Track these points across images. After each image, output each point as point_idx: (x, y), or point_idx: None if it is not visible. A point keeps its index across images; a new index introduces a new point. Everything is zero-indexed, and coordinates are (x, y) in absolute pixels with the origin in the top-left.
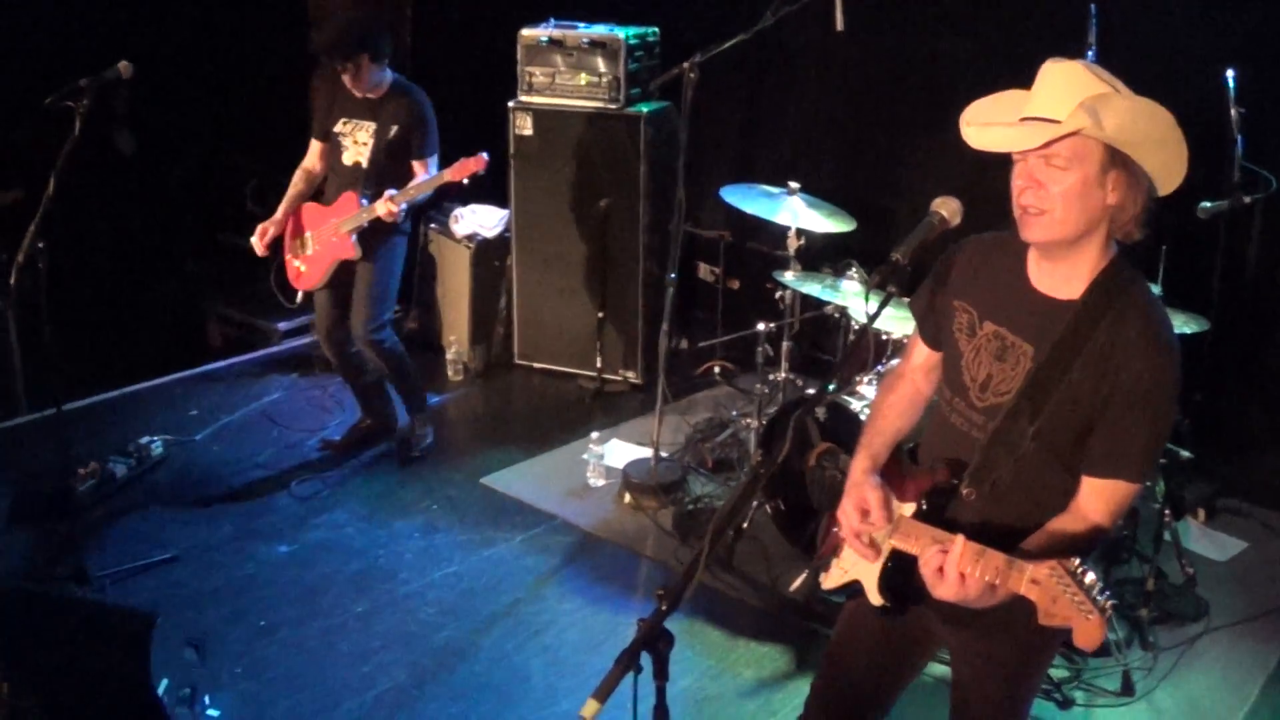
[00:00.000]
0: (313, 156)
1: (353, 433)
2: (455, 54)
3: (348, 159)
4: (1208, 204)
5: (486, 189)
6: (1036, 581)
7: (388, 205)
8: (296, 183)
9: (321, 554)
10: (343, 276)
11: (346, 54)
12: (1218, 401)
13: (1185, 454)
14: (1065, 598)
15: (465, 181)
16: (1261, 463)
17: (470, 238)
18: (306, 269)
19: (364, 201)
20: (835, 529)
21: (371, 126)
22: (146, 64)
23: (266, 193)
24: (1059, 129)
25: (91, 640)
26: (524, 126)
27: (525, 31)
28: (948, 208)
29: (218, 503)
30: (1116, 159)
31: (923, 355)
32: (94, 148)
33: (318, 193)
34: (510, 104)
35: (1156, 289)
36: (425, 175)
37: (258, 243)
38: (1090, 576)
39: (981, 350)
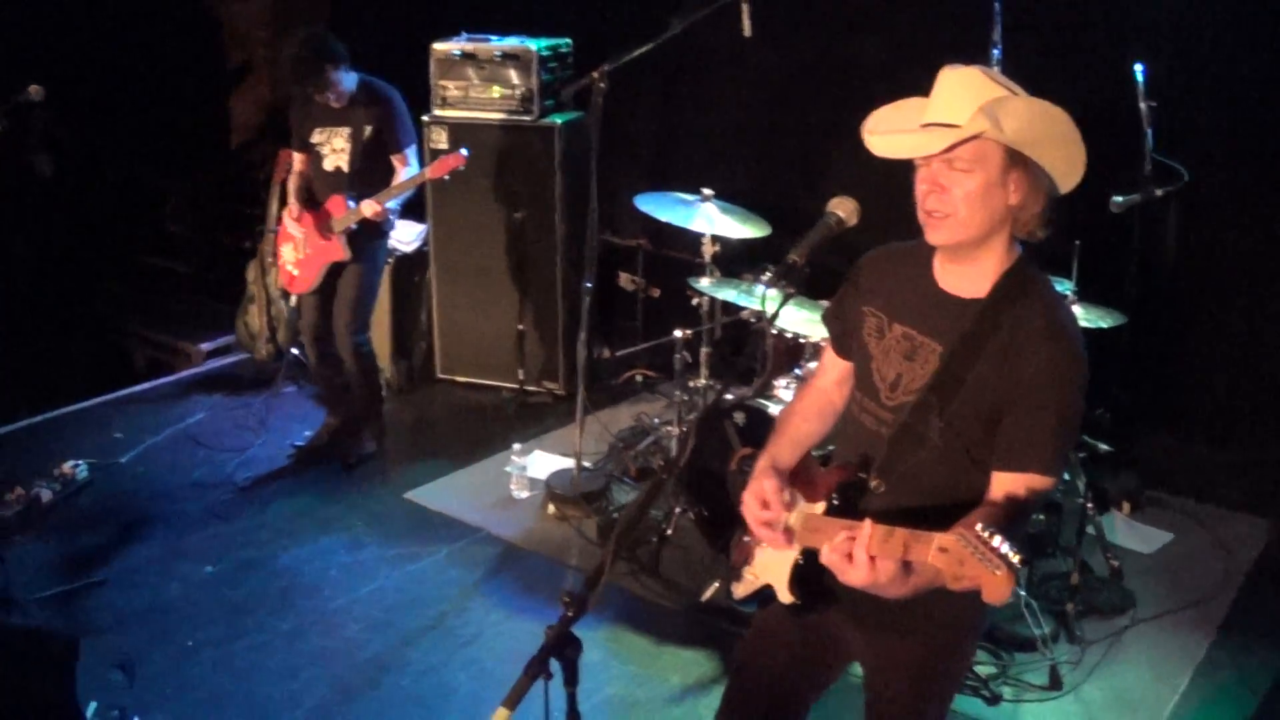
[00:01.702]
0: (299, 164)
1: (320, 434)
2: (368, 69)
3: (328, 165)
4: (1120, 198)
5: (404, 205)
6: (944, 549)
7: (373, 205)
8: (293, 183)
9: (247, 573)
10: (331, 280)
11: (317, 74)
12: (1138, 394)
13: (1104, 447)
14: (973, 558)
15: (447, 178)
16: (1184, 454)
17: (389, 253)
18: (300, 273)
19: (351, 204)
20: (745, 538)
21: (346, 131)
22: (62, 86)
23: (186, 212)
24: (960, 133)
25: (16, 665)
26: (439, 140)
27: (437, 45)
28: (844, 208)
29: (144, 524)
30: (1017, 160)
31: (834, 366)
32: (11, 171)
33: (283, 200)
34: (425, 118)
35: (1071, 284)
36: (406, 169)
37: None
38: (998, 538)
39: (891, 351)
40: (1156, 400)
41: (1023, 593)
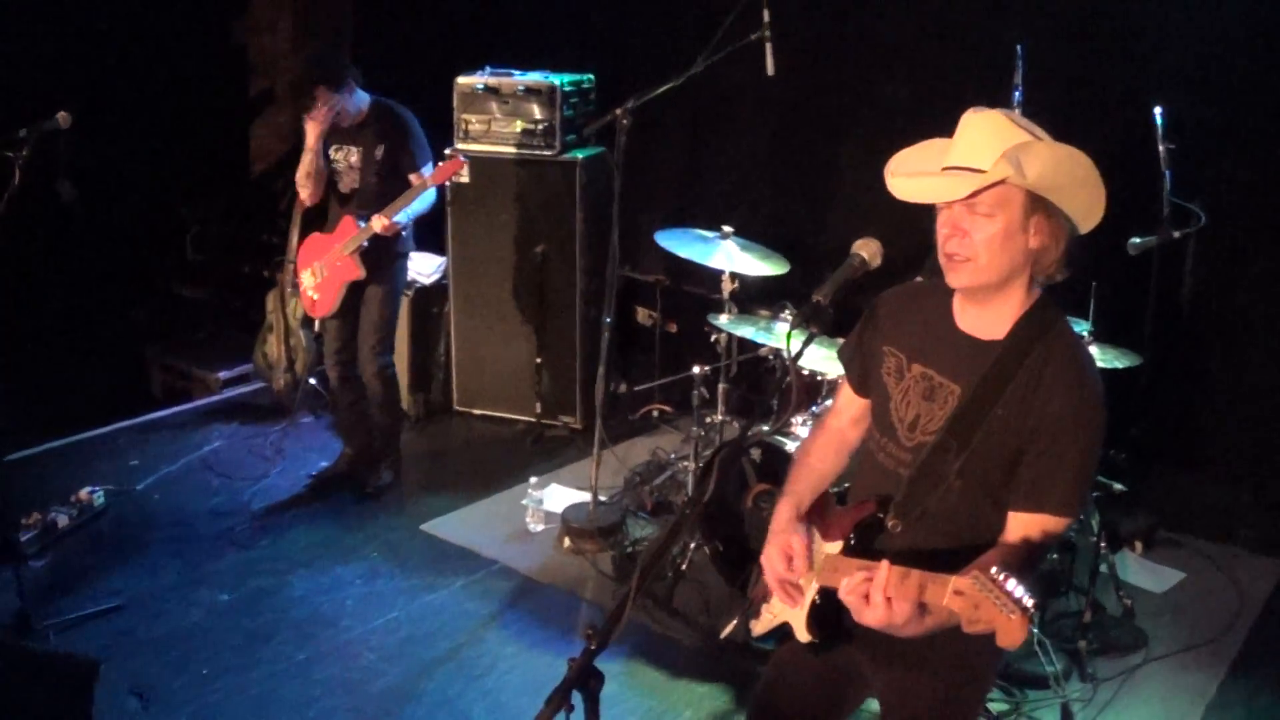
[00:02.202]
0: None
1: (338, 464)
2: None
3: (343, 185)
4: (1137, 240)
5: (424, 236)
6: (960, 592)
7: (382, 220)
8: (297, 210)
9: (263, 601)
10: (352, 302)
11: (309, 86)
12: (1154, 434)
13: (1118, 487)
14: (988, 601)
15: (449, 183)
16: (1198, 494)
17: (409, 285)
18: (320, 296)
19: (360, 223)
20: (764, 577)
21: (358, 151)
22: (89, 113)
23: (208, 241)
24: (983, 179)
25: (35, 689)
26: (461, 174)
27: (461, 79)
28: (868, 249)
29: (160, 552)
30: (1038, 204)
31: (851, 403)
32: (35, 197)
33: (322, 223)
34: (446, 151)
35: (1088, 325)
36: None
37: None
38: (1012, 581)
39: (910, 391)
40: (1171, 440)
41: (1035, 630)
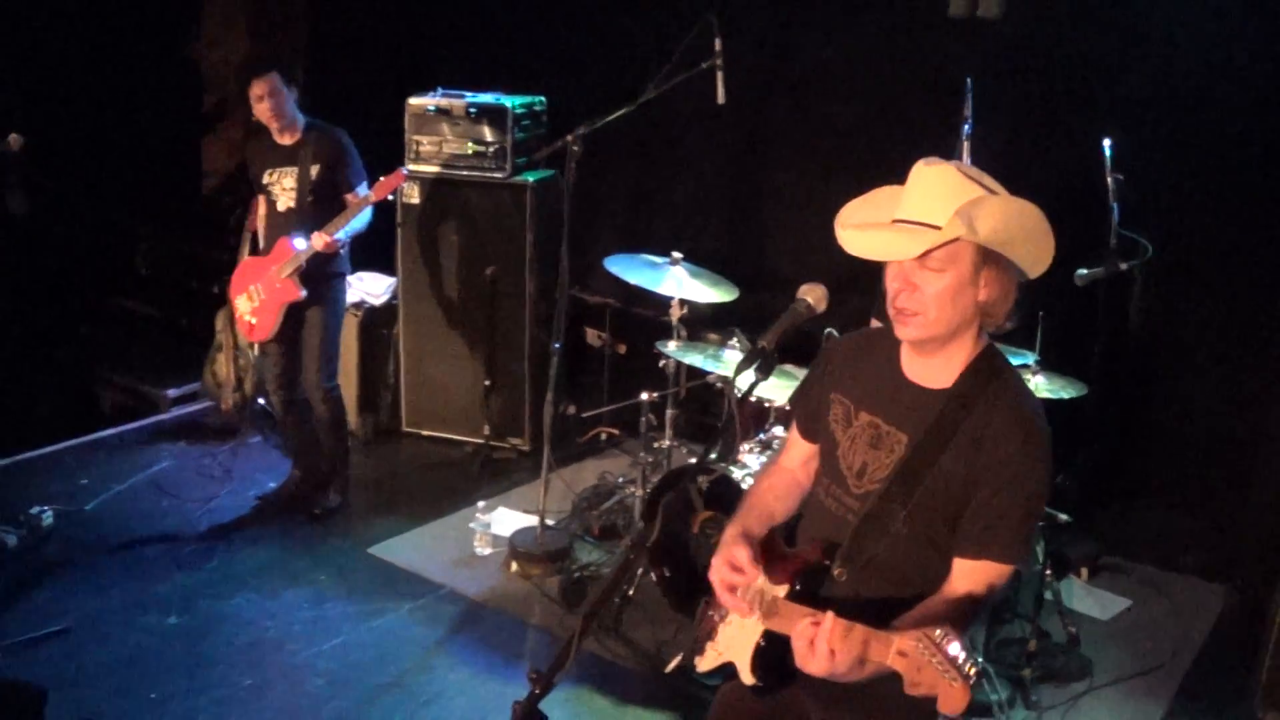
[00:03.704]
0: (260, 208)
1: (286, 485)
2: (343, 122)
3: (280, 206)
4: (1084, 271)
5: (374, 256)
6: (903, 653)
7: (322, 238)
8: (247, 229)
9: (211, 625)
10: (292, 325)
11: (259, 69)
12: (1100, 462)
13: (1064, 518)
14: (931, 666)
15: (391, 198)
16: (1143, 520)
17: (358, 305)
18: (258, 320)
19: (297, 244)
20: (710, 613)
21: (294, 171)
22: (40, 128)
23: (157, 256)
24: (936, 237)
25: None
26: (411, 195)
27: (413, 100)
28: (813, 294)
29: (108, 573)
30: (989, 257)
31: (800, 448)
32: None
33: (255, 247)
34: (401, 169)
35: (1034, 355)
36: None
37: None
38: (955, 645)
39: (857, 439)
40: (1117, 468)
41: (980, 659)
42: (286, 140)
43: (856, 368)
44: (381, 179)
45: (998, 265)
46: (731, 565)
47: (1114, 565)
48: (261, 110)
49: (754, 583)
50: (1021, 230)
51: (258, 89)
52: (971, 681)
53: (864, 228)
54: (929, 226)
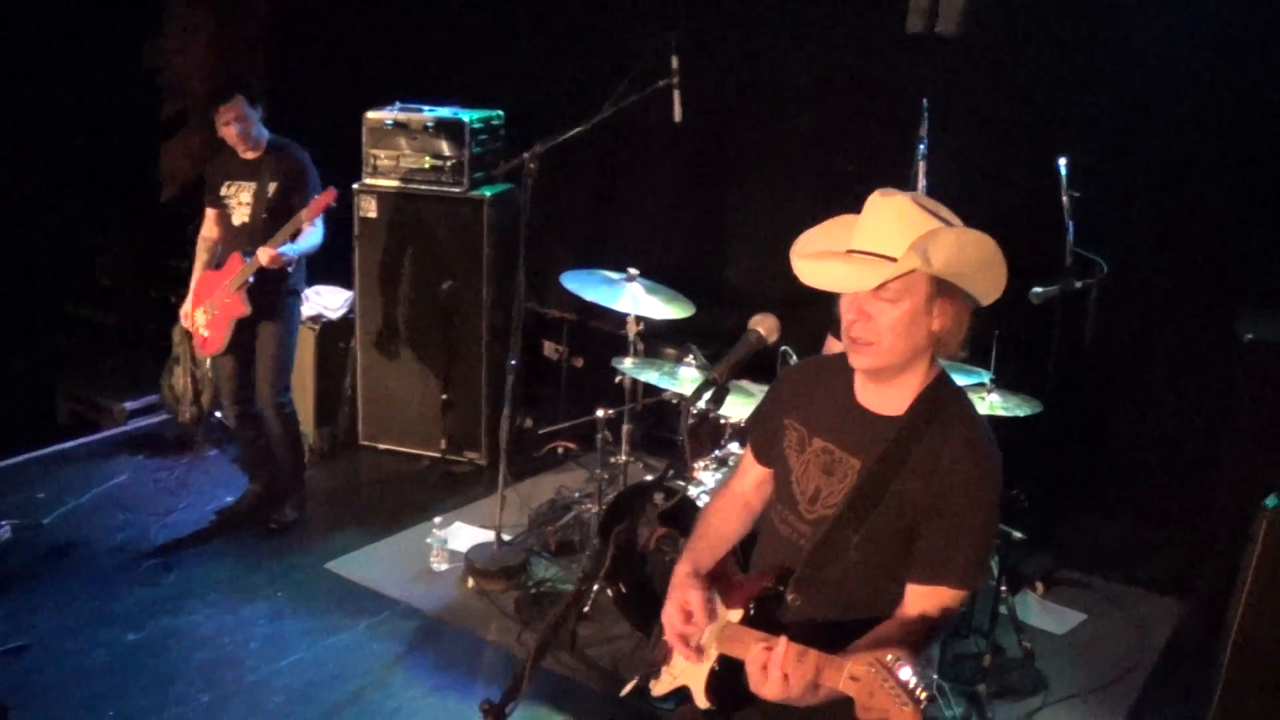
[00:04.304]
0: (209, 224)
1: (243, 500)
2: (300, 136)
3: (236, 220)
4: (1039, 289)
5: (331, 270)
6: (855, 678)
7: (266, 252)
8: (199, 253)
9: (169, 641)
10: (244, 340)
11: (225, 95)
12: (1055, 478)
13: (1018, 535)
14: (883, 690)
15: (334, 206)
16: (1099, 535)
17: (315, 319)
18: (209, 334)
19: (247, 259)
20: (666, 638)
21: (252, 186)
22: None
23: (117, 265)
24: (892, 270)
25: None
26: (369, 209)
27: (370, 114)
28: (765, 325)
29: (67, 588)
30: (943, 288)
31: (754, 471)
32: None
33: (212, 259)
34: (355, 186)
35: (989, 374)
36: (312, 228)
37: (187, 323)
38: (906, 670)
39: (810, 465)
40: (1073, 483)
41: (935, 675)
42: (249, 155)
43: (811, 394)
44: (313, 199)
45: (951, 296)
46: (683, 611)
47: (1069, 579)
48: (228, 134)
49: (704, 630)
50: (976, 261)
51: (224, 115)
52: (923, 706)
53: (820, 258)
54: (884, 258)
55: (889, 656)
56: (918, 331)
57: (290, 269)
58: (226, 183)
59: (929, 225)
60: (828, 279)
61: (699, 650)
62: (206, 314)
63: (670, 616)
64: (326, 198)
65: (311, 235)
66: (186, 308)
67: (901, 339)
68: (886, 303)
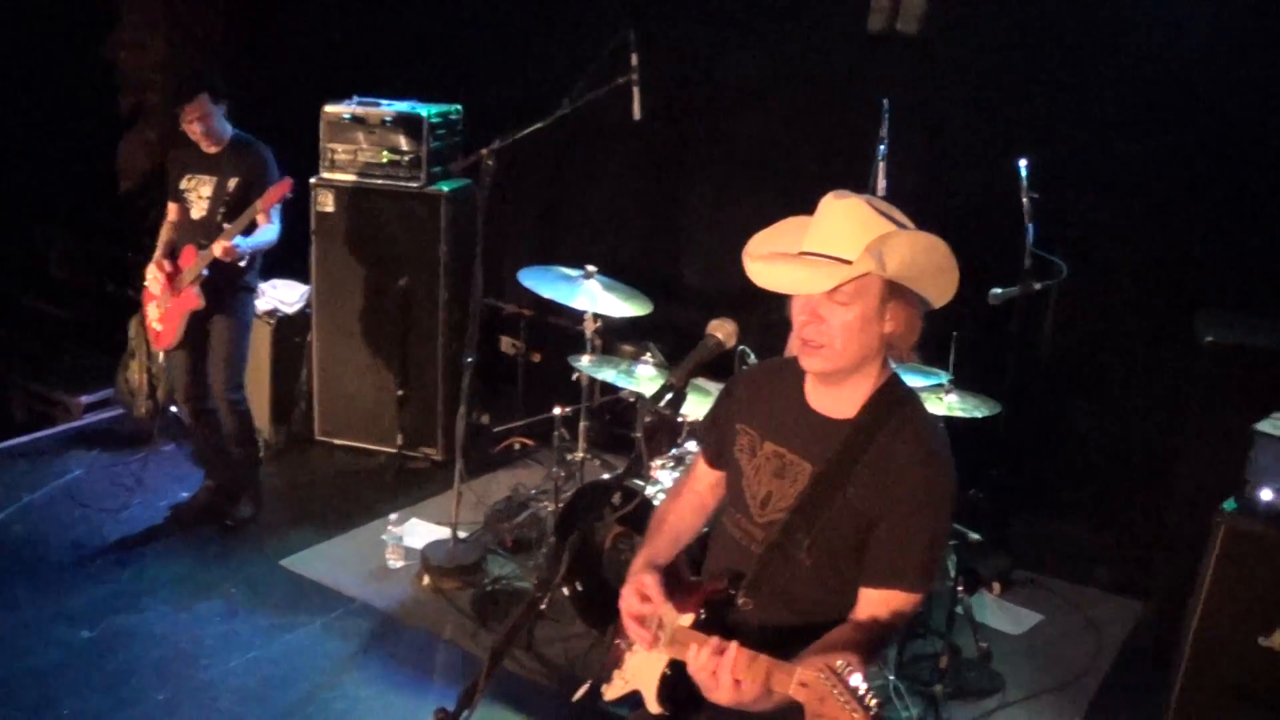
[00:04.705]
0: (172, 214)
1: (199, 495)
2: (257, 129)
3: (194, 214)
4: (998, 290)
5: (287, 264)
6: (805, 684)
7: (220, 244)
8: (163, 235)
9: (123, 639)
10: (197, 334)
11: (189, 94)
12: (1013, 478)
13: (975, 536)
14: (832, 697)
15: (277, 207)
16: (1056, 535)
17: (271, 313)
18: (163, 327)
19: (201, 252)
20: (617, 640)
21: (213, 180)
22: None
23: (71, 258)
24: (846, 273)
25: None
26: (326, 203)
27: (328, 108)
28: (723, 330)
29: (20, 585)
30: (896, 291)
31: (706, 474)
32: None
33: (169, 252)
34: (312, 180)
35: (947, 375)
36: (269, 225)
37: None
38: (856, 677)
39: (762, 469)
40: (1030, 484)
41: (891, 676)
42: (211, 149)
43: (762, 398)
44: (268, 189)
45: (904, 299)
46: (640, 595)
47: (1026, 580)
48: (193, 131)
49: (660, 612)
50: (929, 265)
51: (189, 114)
52: (873, 713)
53: (772, 259)
54: (838, 260)
55: (839, 662)
56: (870, 334)
57: (244, 263)
58: (187, 176)
59: (883, 228)
60: (781, 281)
61: (657, 630)
62: (159, 307)
63: (627, 600)
64: (282, 188)
65: (268, 231)
66: (152, 271)
67: (854, 342)
68: (839, 305)
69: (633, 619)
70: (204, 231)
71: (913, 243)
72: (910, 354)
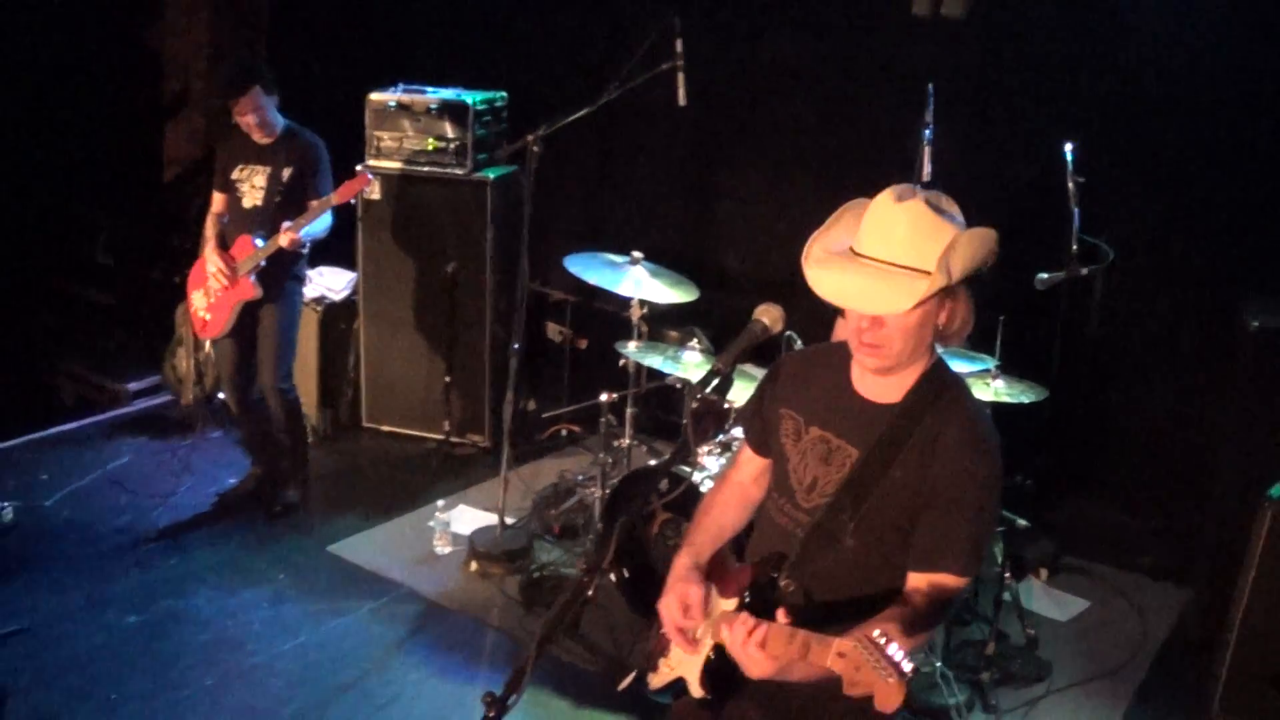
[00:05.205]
0: (218, 204)
1: (245, 482)
2: (303, 117)
3: (246, 203)
4: (1044, 275)
5: (334, 252)
6: (842, 654)
7: (288, 235)
8: (208, 228)
9: (171, 624)
10: (247, 324)
11: (242, 87)
12: (1059, 464)
13: (1022, 523)
14: (868, 665)
15: (354, 201)
16: (1102, 522)
17: (318, 300)
18: (211, 317)
19: (258, 242)
20: (662, 630)
21: (266, 170)
22: None
23: (118, 244)
24: (922, 289)
25: None
26: (372, 190)
27: (374, 96)
28: (769, 315)
29: (67, 570)
30: (954, 289)
31: (751, 462)
32: None
33: (221, 242)
34: (358, 168)
35: (994, 360)
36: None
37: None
38: (893, 646)
39: (808, 454)
40: (1077, 470)
41: (938, 663)
42: (263, 139)
43: (806, 383)
44: (346, 182)
45: (961, 294)
46: (682, 604)
47: (1073, 566)
48: (247, 123)
49: (700, 625)
50: (985, 255)
51: (242, 106)
52: (907, 678)
53: (831, 263)
54: (906, 270)
55: (875, 632)
56: (927, 331)
57: (304, 250)
58: (240, 165)
59: (946, 232)
60: (852, 296)
61: (695, 643)
62: (207, 296)
63: (669, 609)
64: (360, 182)
65: (323, 219)
66: (216, 263)
67: (911, 341)
68: (903, 313)
69: (675, 630)
70: (258, 221)
71: (971, 244)
72: (958, 342)
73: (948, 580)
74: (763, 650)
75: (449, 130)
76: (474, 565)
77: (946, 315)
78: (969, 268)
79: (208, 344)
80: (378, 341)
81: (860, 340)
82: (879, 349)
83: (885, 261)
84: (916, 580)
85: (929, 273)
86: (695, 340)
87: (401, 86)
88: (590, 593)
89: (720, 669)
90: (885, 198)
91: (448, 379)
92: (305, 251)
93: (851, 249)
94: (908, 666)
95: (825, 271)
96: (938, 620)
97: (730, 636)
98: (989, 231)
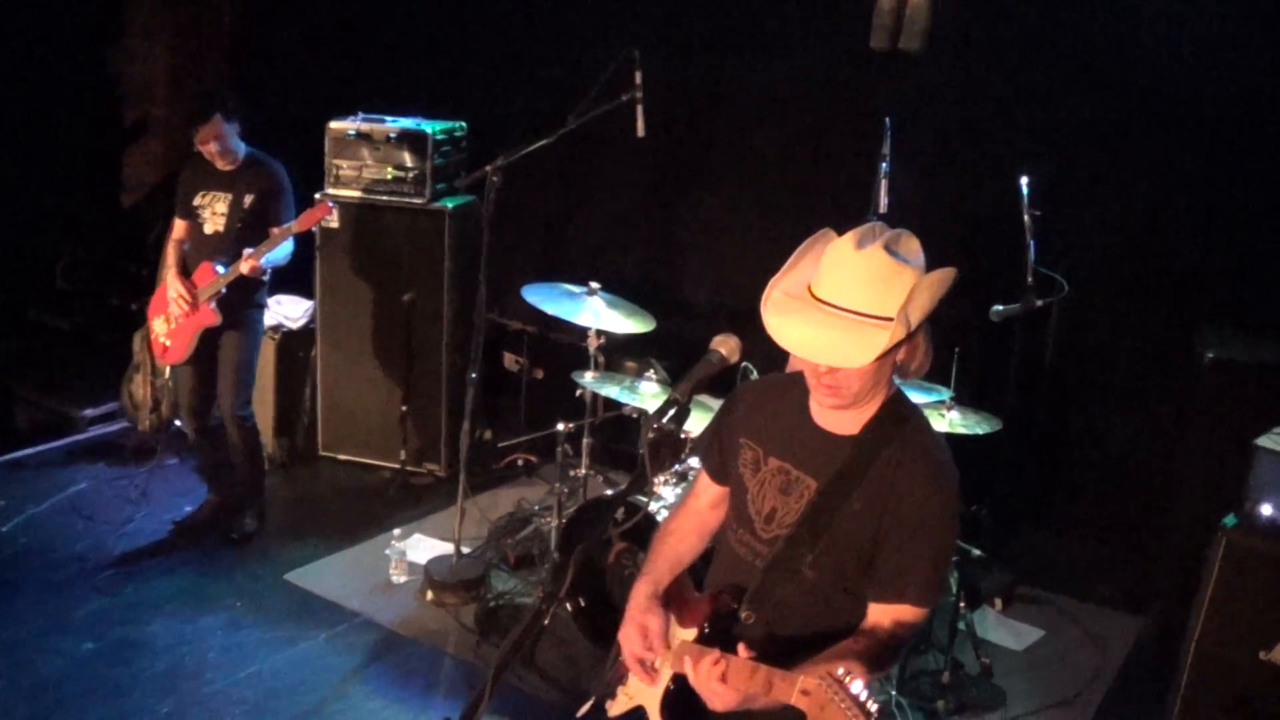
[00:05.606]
0: (179, 230)
1: (203, 509)
2: (263, 145)
3: (208, 230)
4: (1000, 307)
5: (292, 280)
6: (806, 691)
7: (250, 261)
8: (168, 254)
9: (128, 651)
10: (206, 351)
11: (203, 115)
12: (1015, 494)
13: (976, 552)
14: (834, 704)
15: (315, 230)
16: (1058, 551)
17: (275, 329)
18: (172, 343)
19: (219, 269)
20: (621, 658)
21: (228, 197)
22: None
23: (76, 270)
24: (882, 343)
25: None
26: (330, 219)
27: (333, 124)
28: (727, 346)
29: (25, 597)
30: (912, 332)
31: (709, 490)
32: None
33: (182, 269)
34: (317, 196)
35: (949, 391)
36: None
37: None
38: (858, 684)
39: (767, 484)
40: (1032, 500)
41: (893, 691)
42: (225, 166)
43: (766, 413)
44: (308, 210)
45: (920, 332)
46: (642, 634)
47: (1028, 596)
48: (209, 151)
49: (659, 657)
50: (942, 295)
51: (204, 134)
52: (874, 718)
53: (790, 310)
54: (865, 318)
55: (840, 670)
56: (885, 370)
57: (265, 278)
58: (201, 192)
59: (906, 279)
60: (812, 350)
61: (654, 673)
62: (168, 322)
63: (629, 639)
64: (321, 211)
65: (284, 247)
66: (177, 289)
67: (869, 382)
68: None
69: (634, 660)
70: (219, 247)
71: (930, 287)
72: (920, 374)
73: (907, 611)
74: (724, 684)
75: (408, 159)
76: (430, 594)
77: (905, 353)
78: (929, 311)
79: (166, 370)
80: (335, 370)
81: (819, 382)
82: (837, 389)
83: (844, 309)
84: (878, 611)
85: (890, 319)
86: (652, 370)
87: (361, 115)
88: (546, 621)
89: (679, 698)
90: (846, 243)
91: (404, 408)
92: (266, 279)
93: (810, 290)
94: (873, 707)
95: (785, 320)
96: (898, 654)
97: (692, 671)
98: (948, 272)
